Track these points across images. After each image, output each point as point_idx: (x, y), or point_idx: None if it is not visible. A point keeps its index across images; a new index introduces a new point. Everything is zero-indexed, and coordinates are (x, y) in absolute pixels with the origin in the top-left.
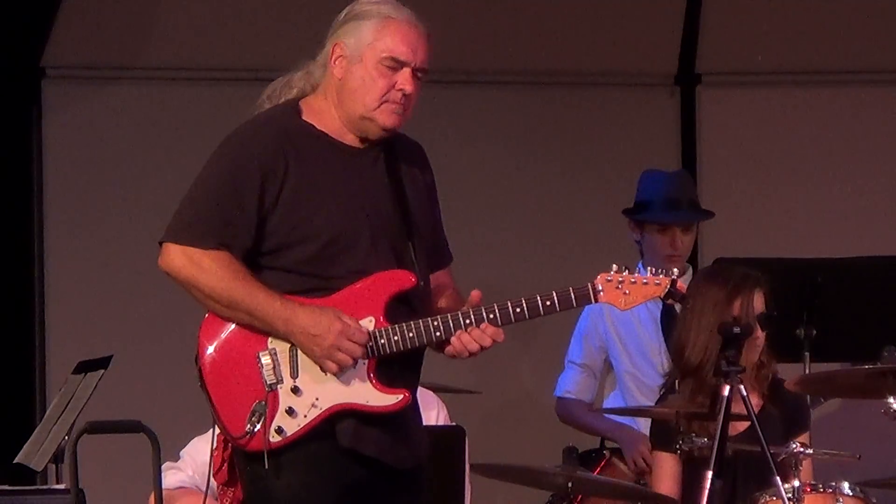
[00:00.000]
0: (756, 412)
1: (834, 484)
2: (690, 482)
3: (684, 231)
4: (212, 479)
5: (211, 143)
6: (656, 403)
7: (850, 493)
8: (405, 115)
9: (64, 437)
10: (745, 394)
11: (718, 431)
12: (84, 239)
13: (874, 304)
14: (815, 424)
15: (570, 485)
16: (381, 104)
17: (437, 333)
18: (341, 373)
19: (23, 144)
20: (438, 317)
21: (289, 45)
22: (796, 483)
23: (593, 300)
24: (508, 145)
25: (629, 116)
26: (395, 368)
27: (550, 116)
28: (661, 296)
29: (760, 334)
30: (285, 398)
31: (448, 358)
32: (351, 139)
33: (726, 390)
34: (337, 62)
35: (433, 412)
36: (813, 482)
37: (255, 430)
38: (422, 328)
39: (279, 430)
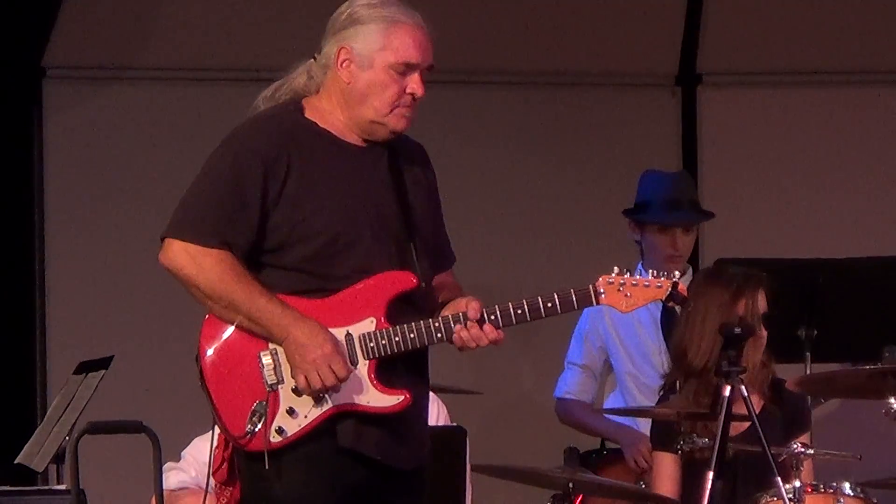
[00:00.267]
0: (757, 412)
1: (835, 484)
2: (691, 482)
3: (685, 231)
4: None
5: (211, 143)
6: (657, 404)
7: (851, 494)
8: (413, 116)
9: (65, 438)
10: (746, 394)
11: (719, 432)
12: (85, 239)
13: (874, 304)
14: (816, 424)
15: (570, 485)
16: (393, 109)
17: (439, 335)
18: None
19: (23, 144)
20: (440, 318)
21: (289, 45)
22: (797, 483)
23: (594, 302)
24: (508, 145)
25: (630, 117)
26: (396, 369)
27: (551, 116)
28: (663, 298)
29: (764, 334)
30: (286, 398)
31: (449, 358)
32: (353, 138)
33: (727, 390)
34: (344, 66)
35: (434, 413)
36: (814, 482)
37: (256, 430)
38: (423, 329)
39: (280, 431)
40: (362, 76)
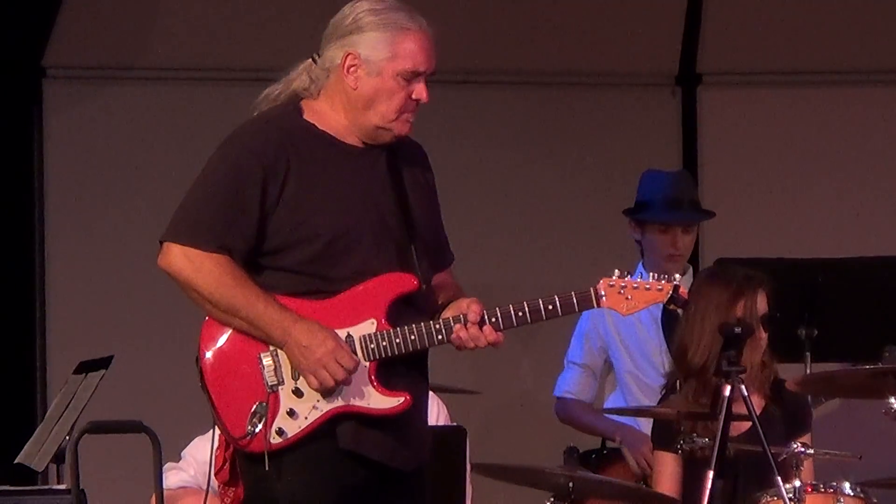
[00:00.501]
0: (758, 412)
1: (835, 484)
2: (691, 482)
3: (685, 231)
4: (213, 478)
5: (211, 143)
6: (658, 403)
7: (851, 494)
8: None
9: (65, 438)
10: (746, 394)
11: (720, 432)
12: (85, 239)
13: (874, 304)
14: (817, 424)
15: (570, 485)
16: (399, 115)
17: (439, 336)
18: (321, 390)
19: (24, 144)
20: (440, 320)
21: (289, 45)
22: (797, 483)
23: (595, 305)
24: (508, 145)
25: (630, 117)
26: (397, 371)
27: (551, 116)
28: (664, 301)
29: (763, 335)
30: (286, 400)
31: (449, 358)
32: (352, 140)
33: (727, 390)
34: (350, 72)
35: (434, 412)
36: (814, 482)
37: (256, 431)
38: (423, 331)
39: (280, 432)
40: (370, 82)
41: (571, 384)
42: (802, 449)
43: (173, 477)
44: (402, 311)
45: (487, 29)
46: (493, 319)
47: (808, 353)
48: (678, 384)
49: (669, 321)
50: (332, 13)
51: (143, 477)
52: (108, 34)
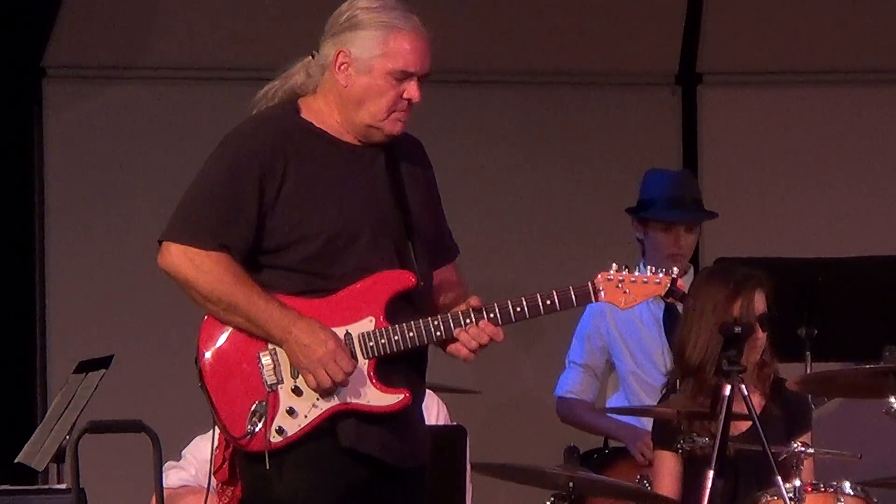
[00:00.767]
0: (758, 412)
1: (835, 483)
2: (692, 481)
3: (688, 230)
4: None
5: (211, 143)
6: (658, 403)
7: (852, 493)
8: (407, 119)
9: (65, 437)
10: (746, 393)
11: (720, 431)
12: (85, 238)
13: (874, 304)
14: (817, 424)
15: (571, 484)
16: (390, 114)
17: (438, 333)
18: (319, 390)
19: (23, 144)
20: (439, 316)
21: (289, 45)
22: (797, 482)
23: (594, 299)
24: (509, 145)
25: (630, 116)
26: (396, 368)
27: (551, 116)
28: (662, 294)
29: (761, 335)
30: (286, 398)
31: (449, 357)
32: (350, 138)
33: (727, 390)
34: (341, 70)
35: (434, 412)
36: (814, 482)
37: (256, 430)
38: (422, 328)
39: (280, 431)
40: (360, 81)
41: (573, 384)
42: (802, 448)
43: (174, 476)
44: (401, 308)
45: (487, 29)
46: (492, 315)
47: (808, 353)
48: (678, 383)
49: (671, 321)
50: (332, 13)
51: (144, 476)
52: (108, 34)
